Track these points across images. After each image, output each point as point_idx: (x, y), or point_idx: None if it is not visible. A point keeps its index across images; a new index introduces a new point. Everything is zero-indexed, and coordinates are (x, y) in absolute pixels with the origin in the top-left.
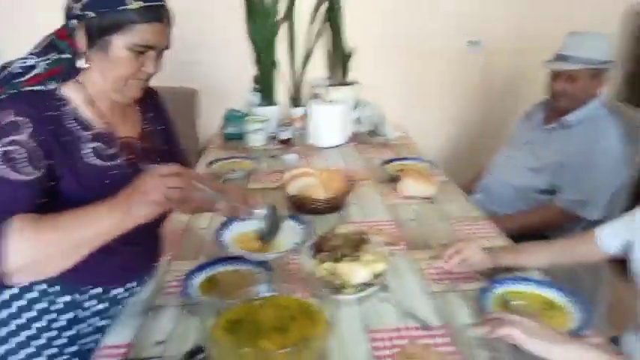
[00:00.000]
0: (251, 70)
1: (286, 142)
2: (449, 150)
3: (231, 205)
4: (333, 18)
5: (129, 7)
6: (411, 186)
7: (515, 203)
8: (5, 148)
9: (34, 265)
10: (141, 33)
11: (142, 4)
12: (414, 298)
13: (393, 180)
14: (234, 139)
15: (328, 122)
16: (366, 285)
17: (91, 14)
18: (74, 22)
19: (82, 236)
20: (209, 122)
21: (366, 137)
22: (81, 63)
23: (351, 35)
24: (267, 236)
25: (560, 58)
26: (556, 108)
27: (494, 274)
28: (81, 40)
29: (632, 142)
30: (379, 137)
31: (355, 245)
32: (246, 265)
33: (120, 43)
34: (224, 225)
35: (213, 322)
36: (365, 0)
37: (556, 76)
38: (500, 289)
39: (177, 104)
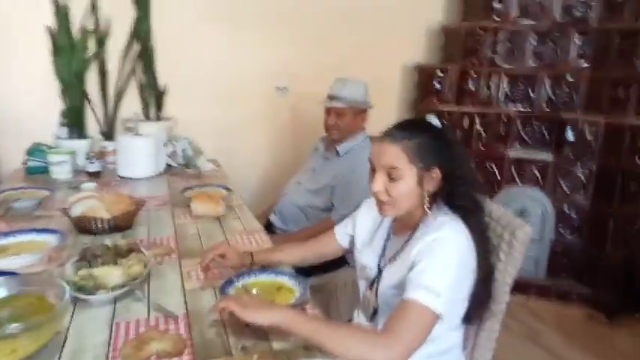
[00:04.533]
0: (60, 104)
1: (95, 175)
2: (262, 179)
3: None
4: (144, 57)
5: None
6: (200, 207)
7: (301, 221)
8: None
9: None
10: None
11: None
12: (167, 296)
13: (189, 204)
14: (37, 172)
15: (137, 154)
16: (121, 286)
17: None
18: None
19: None
20: (15, 157)
21: (179, 170)
22: None
23: (166, 74)
24: None
25: (330, 97)
26: (331, 140)
27: None
28: None
29: None
30: (192, 170)
31: (120, 254)
32: None
33: None
34: None
35: None
36: (177, 42)
37: (328, 112)
38: (241, 281)
39: None
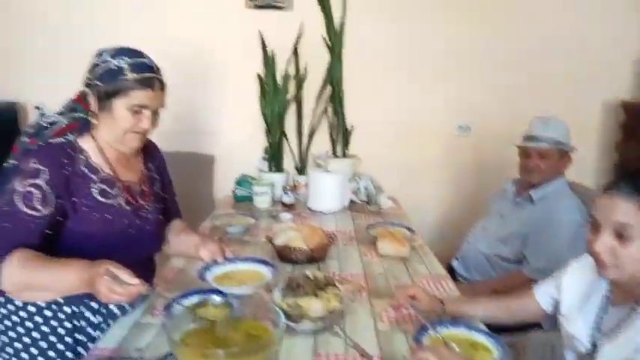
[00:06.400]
0: (263, 140)
1: (289, 206)
2: (440, 221)
3: (211, 254)
4: (335, 99)
5: (127, 77)
6: (386, 246)
7: (486, 271)
8: (26, 189)
9: (24, 290)
10: (136, 97)
11: (136, 75)
12: (362, 334)
13: (374, 241)
14: (243, 200)
15: (326, 189)
16: (322, 319)
17: (99, 83)
18: (87, 89)
19: (51, 286)
20: (226, 185)
21: (361, 206)
22: (93, 120)
23: (353, 115)
24: None
25: (530, 138)
26: (526, 183)
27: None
28: (92, 102)
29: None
30: (373, 206)
31: (319, 287)
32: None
33: (120, 105)
34: (206, 267)
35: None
36: (364, 86)
37: (528, 154)
38: (436, 330)
39: (198, 168)
